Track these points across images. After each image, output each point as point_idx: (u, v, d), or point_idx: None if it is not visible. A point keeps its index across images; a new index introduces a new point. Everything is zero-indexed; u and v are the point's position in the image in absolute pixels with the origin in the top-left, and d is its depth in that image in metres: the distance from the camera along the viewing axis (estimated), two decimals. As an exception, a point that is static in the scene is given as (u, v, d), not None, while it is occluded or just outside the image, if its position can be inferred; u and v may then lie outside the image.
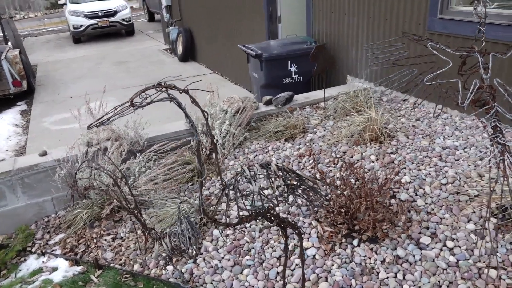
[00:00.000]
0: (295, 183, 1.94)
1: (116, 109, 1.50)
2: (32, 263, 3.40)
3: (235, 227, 1.91)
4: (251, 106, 4.33)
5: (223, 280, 2.75)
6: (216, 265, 2.87)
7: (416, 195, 2.99)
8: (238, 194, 1.87)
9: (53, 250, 3.44)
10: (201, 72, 10.03)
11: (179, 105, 1.62)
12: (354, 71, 5.34)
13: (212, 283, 2.75)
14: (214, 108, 4.19)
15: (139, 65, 11.12)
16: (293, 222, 2.29)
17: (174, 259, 2.93)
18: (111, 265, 3.13)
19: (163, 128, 4.34)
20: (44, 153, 3.89)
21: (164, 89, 1.55)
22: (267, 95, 4.89)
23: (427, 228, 2.69)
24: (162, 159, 3.89)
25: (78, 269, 3.20)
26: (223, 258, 2.90)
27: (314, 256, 2.74)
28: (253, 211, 1.90)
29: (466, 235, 2.58)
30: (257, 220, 2.95)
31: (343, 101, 4.55)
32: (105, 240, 3.39)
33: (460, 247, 2.52)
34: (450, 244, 2.53)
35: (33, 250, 3.51)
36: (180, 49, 11.16)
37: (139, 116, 4.10)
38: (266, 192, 2.90)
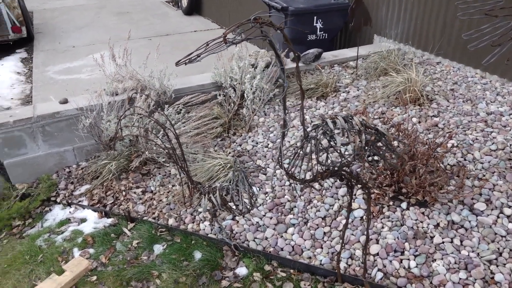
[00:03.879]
0: (373, 139, 1.81)
1: (208, 45, 1.32)
2: (58, 213, 3.27)
3: (309, 183, 1.79)
4: (276, 63, 4.11)
5: (266, 238, 2.67)
6: (257, 222, 2.78)
7: (465, 160, 2.90)
8: (313, 148, 1.73)
9: (80, 201, 3.32)
10: (209, 26, 9.63)
11: (273, 45, 1.45)
12: (383, 30, 5.12)
13: (254, 241, 2.67)
14: (243, 62, 3.98)
15: (142, 17, 10.63)
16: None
17: (218, 215, 2.83)
18: (144, 218, 3.02)
19: (187, 80, 4.13)
20: (65, 101, 3.68)
21: (259, 24, 1.37)
22: (290, 51, 4.67)
23: (480, 194, 2.62)
24: (190, 112, 3.71)
25: (108, 221, 3.09)
26: (264, 215, 2.81)
27: (361, 217, 2.66)
28: (329, 167, 1.78)
29: (521, 202, 2.52)
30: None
31: (375, 61, 4.37)
32: (135, 193, 3.27)
33: (517, 215, 2.46)
34: (507, 211, 2.46)
35: (58, 200, 3.37)
36: (184, 1, 10.66)
37: (164, 66, 3.88)
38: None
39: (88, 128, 3.51)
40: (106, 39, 8.39)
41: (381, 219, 2.61)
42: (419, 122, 3.35)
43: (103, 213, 3.17)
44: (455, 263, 2.26)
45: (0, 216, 3.16)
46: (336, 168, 1.76)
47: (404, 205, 2.67)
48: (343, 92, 4.00)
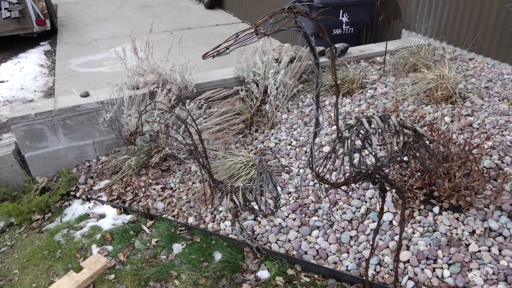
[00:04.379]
0: (411, 140, 1.68)
1: (237, 36, 1.21)
2: (77, 208, 3.24)
3: (341, 187, 1.67)
4: (306, 56, 3.98)
5: (289, 240, 2.55)
6: (280, 224, 2.67)
7: (503, 162, 2.72)
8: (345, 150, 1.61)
9: (99, 196, 3.27)
10: (230, 20, 9.52)
11: (308, 37, 1.33)
12: (412, 24, 4.91)
13: (277, 243, 2.56)
14: (267, 56, 3.86)
15: (164, 10, 10.61)
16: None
17: (239, 215, 2.73)
18: (163, 216, 2.95)
19: (208, 75, 4.03)
20: (86, 94, 3.63)
21: (293, 14, 1.25)
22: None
23: (520, 199, 2.44)
24: (212, 107, 3.62)
25: (127, 217, 3.04)
26: (287, 217, 2.70)
27: (390, 221, 2.52)
28: (364, 170, 1.65)
29: None
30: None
31: (404, 57, 4.18)
32: (154, 189, 3.20)
33: (560, 223, 2.28)
34: (551, 218, 2.29)
35: (77, 195, 3.34)
36: (206, -5, 10.58)
37: (186, 60, 3.80)
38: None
39: (108, 123, 3.46)
40: (127, 32, 8.38)
41: (411, 224, 2.47)
42: (452, 122, 3.17)
43: (122, 210, 3.11)
44: (493, 274, 2.10)
45: (20, 210, 3.14)
46: (370, 171, 1.63)
47: (436, 209, 2.51)
48: (370, 89, 3.84)
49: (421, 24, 4.77)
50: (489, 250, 2.22)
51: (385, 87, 3.84)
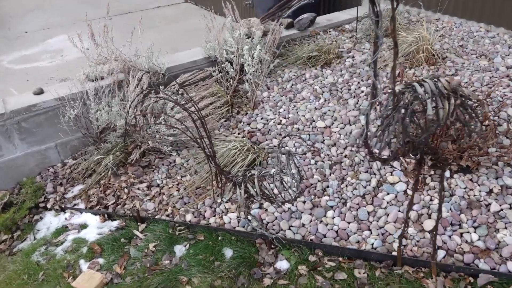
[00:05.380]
0: (458, 103, 1.54)
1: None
2: (51, 221, 2.84)
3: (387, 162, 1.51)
4: (277, 29, 3.76)
5: (304, 225, 2.39)
6: (289, 208, 2.49)
7: (498, 117, 2.72)
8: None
9: (75, 205, 2.89)
10: (172, 1, 9.00)
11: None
12: (373, -10, 4.82)
13: (291, 229, 2.38)
14: (238, 32, 3.59)
15: (97, -5, 9.80)
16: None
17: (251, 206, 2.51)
18: (156, 217, 2.66)
19: (176, 57, 3.69)
20: (40, 91, 3.18)
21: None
22: (276, 19, 4.30)
23: (526, 153, 2.44)
24: (188, 93, 3.31)
25: (114, 224, 2.71)
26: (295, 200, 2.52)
27: (404, 191, 2.42)
28: (414, 141, 1.49)
29: None
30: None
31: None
32: (139, 189, 2.88)
33: None
34: (561, 168, 2.30)
35: (48, 206, 2.93)
36: (142, -25, 9.89)
37: (150, 43, 3.43)
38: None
39: (73, 121, 3.04)
40: (62, 21, 7.65)
41: (427, 191, 2.39)
42: (440, 83, 3.12)
43: (106, 216, 2.77)
44: (522, 231, 2.08)
45: (-18, 232, 2.70)
46: (422, 141, 1.48)
47: (447, 173, 2.45)
48: (348, 58, 3.71)
49: (382, -12, 4.70)
50: (511, 208, 2.19)
51: (362, 54, 3.73)
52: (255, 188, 1.99)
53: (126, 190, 2.88)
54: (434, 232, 1.89)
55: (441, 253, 2.08)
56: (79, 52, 3.24)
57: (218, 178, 2.13)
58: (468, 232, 2.14)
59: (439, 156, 1.68)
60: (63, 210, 2.90)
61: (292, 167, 1.88)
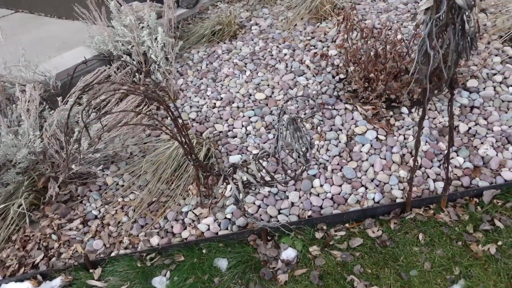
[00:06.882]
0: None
1: None
2: (-42, 312, 2.03)
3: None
4: (173, 7, 3.31)
5: (293, 204, 2.12)
6: (270, 192, 2.19)
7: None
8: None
9: (-13, 279, 2.12)
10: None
11: None
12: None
13: (281, 213, 2.09)
14: (128, 18, 3.05)
15: None
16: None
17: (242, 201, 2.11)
18: (112, 254, 2.09)
19: (58, 62, 2.99)
20: None
21: None
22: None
23: (461, 74, 2.55)
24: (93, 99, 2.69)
25: (56, 282, 2.05)
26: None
27: (376, 137, 2.33)
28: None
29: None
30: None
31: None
32: (71, 229, 2.24)
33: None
34: (498, 78, 2.45)
35: None
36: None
37: (20, 52, 2.70)
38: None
39: None
40: None
41: (397, 131, 2.34)
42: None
43: (39, 277, 2.09)
44: (497, 141, 2.15)
45: None
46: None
47: (404, 110, 2.44)
48: (252, 26, 3.48)
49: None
50: (477, 124, 2.26)
51: (265, 20, 3.54)
52: (254, 174, 1.65)
53: (54, 236, 2.21)
54: (447, 162, 1.82)
55: (439, 185, 2.04)
56: None
57: (200, 175, 1.72)
58: (453, 158, 2.14)
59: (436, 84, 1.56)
60: (-30, 291, 2.10)
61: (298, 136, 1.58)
